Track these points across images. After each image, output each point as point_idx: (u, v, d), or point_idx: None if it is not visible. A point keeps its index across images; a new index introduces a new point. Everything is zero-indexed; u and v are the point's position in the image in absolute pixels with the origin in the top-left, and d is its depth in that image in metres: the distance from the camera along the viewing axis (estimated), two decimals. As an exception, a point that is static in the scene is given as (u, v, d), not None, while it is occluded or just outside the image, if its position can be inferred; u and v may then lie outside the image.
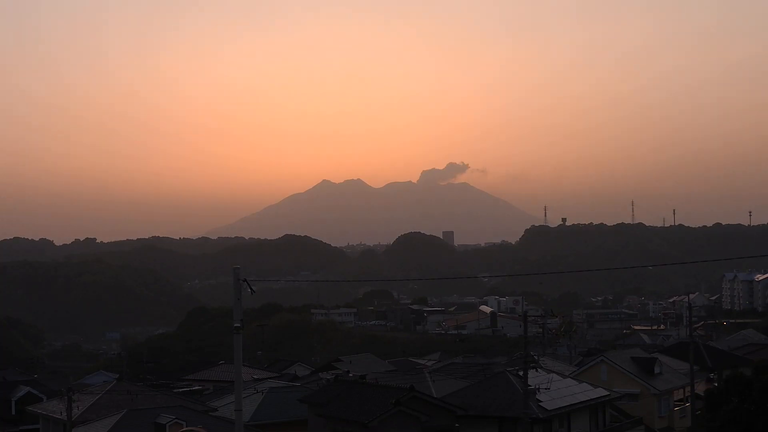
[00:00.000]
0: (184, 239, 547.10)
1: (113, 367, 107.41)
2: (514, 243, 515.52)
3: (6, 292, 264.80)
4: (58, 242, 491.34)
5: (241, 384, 27.76)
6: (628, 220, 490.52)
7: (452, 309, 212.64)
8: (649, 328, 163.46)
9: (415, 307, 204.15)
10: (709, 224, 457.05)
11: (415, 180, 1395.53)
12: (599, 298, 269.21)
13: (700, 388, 65.10)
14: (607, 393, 57.16)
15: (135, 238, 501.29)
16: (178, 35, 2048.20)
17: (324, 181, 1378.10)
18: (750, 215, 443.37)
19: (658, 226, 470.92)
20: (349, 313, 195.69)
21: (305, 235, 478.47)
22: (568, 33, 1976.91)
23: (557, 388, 53.17)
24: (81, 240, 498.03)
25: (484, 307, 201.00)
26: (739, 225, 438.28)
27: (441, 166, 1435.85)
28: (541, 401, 49.75)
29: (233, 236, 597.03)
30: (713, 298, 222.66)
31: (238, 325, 27.13)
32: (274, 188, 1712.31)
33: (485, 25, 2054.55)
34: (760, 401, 46.75)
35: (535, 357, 67.52)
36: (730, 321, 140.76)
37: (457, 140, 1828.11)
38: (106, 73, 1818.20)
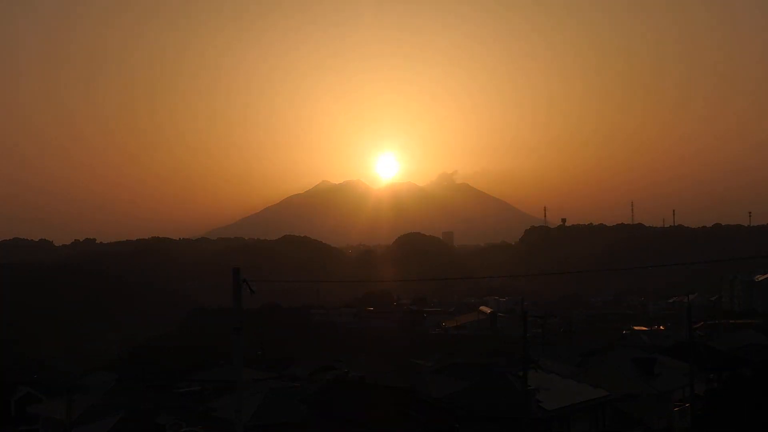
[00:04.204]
0: (183, 240, 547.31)
1: (113, 368, 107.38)
2: (513, 243, 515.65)
3: (6, 293, 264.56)
4: (57, 243, 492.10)
5: (241, 384, 27.77)
6: (627, 221, 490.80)
7: (452, 309, 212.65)
8: (649, 328, 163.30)
9: (414, 307, 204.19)
10: (709, 224, 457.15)
11: (414, 181, 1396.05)
12: (599, 298, 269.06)
13: (700, 389, 65.07)
14: (606, 393, 57.19)
15: (135, 239, 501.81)
16: (177, 36, 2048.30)
17: (323, 181, 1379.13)
18: (750, 215, 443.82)
19: (658, 226, 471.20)
20: (349, 314, 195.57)
21: (305, 236, 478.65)
22: (567, 35, 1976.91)
23: (557, 389, 53.24)
24: (81, 241, 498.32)
25: (484, 308, 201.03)
26: (739, 225, 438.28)
27: (440, 167, 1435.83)
28: (540, 402, 49.80)
29: (233, 237, 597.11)
30: (713, 298, 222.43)
31: (238, 325, 27.17)
32: (274, 189, 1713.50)
33: (484, 25, 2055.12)
34: (760, 402, 46.74)
35: (535, 358, 67.70)
36: (730, 321, 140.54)
37: (457, 140, 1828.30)
38: (104, 73, 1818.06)
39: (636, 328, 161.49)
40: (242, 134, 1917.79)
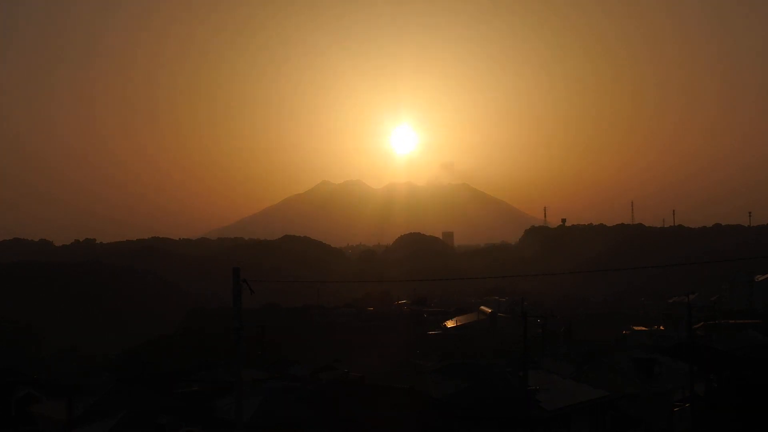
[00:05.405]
0: (183, 240, 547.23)
1: (113, 368, 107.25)
2: (513, 243, 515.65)
3: (6, 293, 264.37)
4: (57, 243, 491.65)
5: (241, 384, 27.77)
6: (627, 221, 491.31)
7: (452, 310, 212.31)
8: (649, 328, 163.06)
9: (414, 307, 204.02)
10: (709, 224, 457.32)
11: (414, 181, 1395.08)
12: (599, 298, 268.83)
13: (700, 389, 65.01)
14: (606, 394, 57.16)
15: (135, 239, 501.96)
16: (179, 36, 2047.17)
17: (323, 181, 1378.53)
18: (750, 215, 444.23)
19: (658, 226, 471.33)
20: (349, 314, 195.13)
21: (305, 236, 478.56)
22: (566, 33, 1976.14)
23: (557, 389, 53.22)
24: (81, 241, 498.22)
25: (484, 308, 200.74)
26: (739, 225, 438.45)
27: (441, 168, 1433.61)
28: (540, 402, 49.76)
29: (233, 237, 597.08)
30: (713, 298, 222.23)
31: (238, 325, 27.17)
32: (274, 189, 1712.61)
33: (485, 27, 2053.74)
34: (760, 402, 46.72)
35: (535, 358, 67.68)
36: (730, 321, 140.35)
37: (458, 141, 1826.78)
38: (104, 72, 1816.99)
39: (636, 328, 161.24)
40: (243, 135, 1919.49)
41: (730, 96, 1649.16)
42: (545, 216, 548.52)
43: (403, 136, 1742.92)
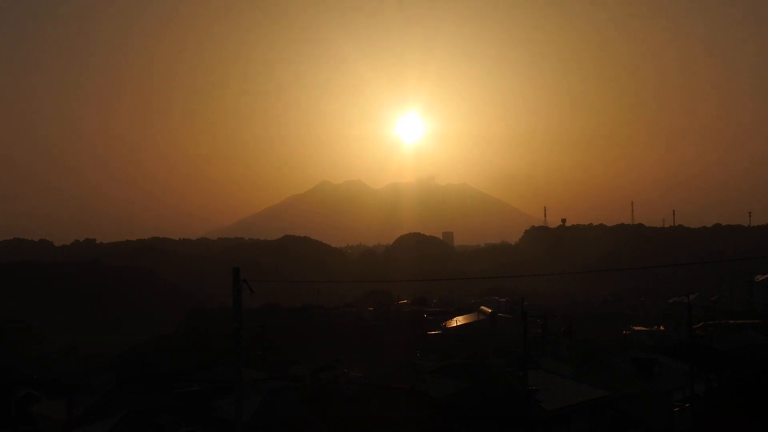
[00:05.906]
0: (183, 240, 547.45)
1: (113, 368, 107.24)
2: (513, 243, 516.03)
3: (6, 293, 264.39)
4: (57, 243, 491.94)
5: (240, 384, 27.77)
6: (627, 221, 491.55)
7: (452, 310, 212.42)
8: (649, 328, 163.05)
9: (414, 307, 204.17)
10: (709, 224, 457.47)
11: (415, 181, 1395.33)
12: (599, 298, 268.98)
13: (700, 389, 65.00)
14: (606, 394, 57.15)
15: (134, 239, 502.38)
16: (176, 35, 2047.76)
17: (324, 181, 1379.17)
18: (750, 216, 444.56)
19: (658, 226, 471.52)
20: (349, 314, 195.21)
21: (305, 236, 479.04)
22: (567, 32, 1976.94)
23: (557, 389, 53.21)
24: (81, 241, 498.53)
25: (483, 308, 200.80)
26: (739, 225, 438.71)
27: (441, 168, 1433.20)
28: (540, 402, 49.75)
29: (233, 237, 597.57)
30: (713, 298, 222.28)
31: (238, 325, 27.19)
32: (274, 189, 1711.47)
33: (485, 25, 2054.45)
34: (760, 402, 46.76)
35: (535, 358, 67.71)
36: (730, 321, 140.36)
37: (458, 141, 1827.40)
38: (104, 73, 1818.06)
39: (636, 328, 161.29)
40: (243, 134, 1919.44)
41: (730, 96, 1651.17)
42: (545, 216, 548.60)
43: (409, 127, 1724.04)
